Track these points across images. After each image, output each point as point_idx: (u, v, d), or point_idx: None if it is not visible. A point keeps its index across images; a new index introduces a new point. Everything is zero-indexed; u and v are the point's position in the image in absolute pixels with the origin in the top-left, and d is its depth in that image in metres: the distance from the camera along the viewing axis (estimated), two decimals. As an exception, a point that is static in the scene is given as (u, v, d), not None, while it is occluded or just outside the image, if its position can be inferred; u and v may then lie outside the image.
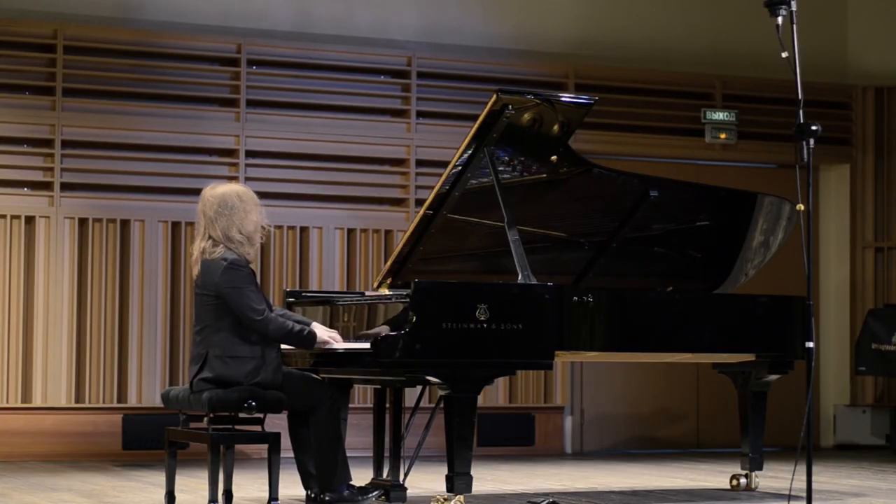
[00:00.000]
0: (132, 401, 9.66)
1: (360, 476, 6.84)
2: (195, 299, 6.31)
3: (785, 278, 9.32)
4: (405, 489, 6.72)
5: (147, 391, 9.67)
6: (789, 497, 6.88)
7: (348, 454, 6.44)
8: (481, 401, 6.45)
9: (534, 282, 6.46)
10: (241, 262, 6.15)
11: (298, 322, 6.34)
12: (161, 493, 6.65)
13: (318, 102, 10.25)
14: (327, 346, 6.29)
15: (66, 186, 9.64)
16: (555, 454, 10.55)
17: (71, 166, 9.67)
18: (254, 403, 6.08)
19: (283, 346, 6.36)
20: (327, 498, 6.28)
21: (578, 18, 11.02)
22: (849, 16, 11.77)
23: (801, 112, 5.60)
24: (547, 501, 6.68)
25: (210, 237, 6.21)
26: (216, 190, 6.27)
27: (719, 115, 11.19)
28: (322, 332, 6.31)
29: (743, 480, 7.60)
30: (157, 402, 9.35)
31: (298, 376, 6.31)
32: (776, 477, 8.17)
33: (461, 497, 6.24)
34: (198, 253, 6.23)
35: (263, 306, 6.13)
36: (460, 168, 6.67)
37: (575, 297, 6.53)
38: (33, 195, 9.62)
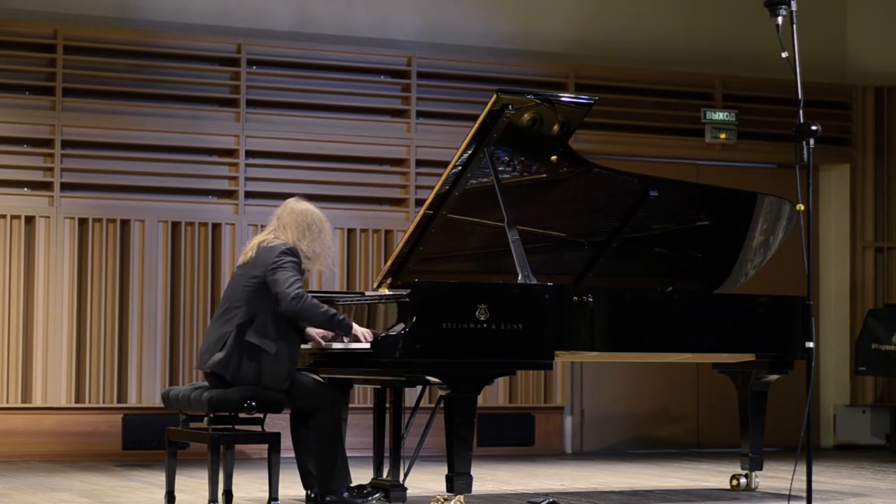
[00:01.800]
0: (132, 401, 9.66)
1: (360, 476, 6.84)
2: (233, 280, 6.35)
3: (785, 278, 9.32)
4: (405, 489, 6.72)
5: (147, 391, 9.67)
6: (789, 497, 6.89)
7: (348, 454, 6.44)
8: (481, 401, 6.46)
9: (534, 282, 6.46)
10: (297, 253, 6.22)
11: None
12: (161, 493, 6.65)
13: (318, 102, 10.25)
14: (355, 345, 6.28)
15: (66, 186, 9.64)
16: (555, 454, 10.55)
17: (71, 166, 9.67)
18: (254, 403, 6.08)
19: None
20: (327, 500, 6.28)
21: (578, 18, 11.01)
22: (849, 16, 11.76)
23: (801, 112, 5.60)
24: (547, 501, 6.67)
25: (276, 237, 6.28)
26: (302, 203, 6.40)
27: (719, 115, 11.18)
28: (357, 326, 6.34)
29: (743, 480, 7.60)
30: (157, 402, 9.36)
31: (301, 378, 6.31)
32: (776, 477, 8.17)
33: (461, 497, 6.24)
34: (255, 242, 6.31)
35: (302, 291, 6.14)
36: (460, 168, 6.67)
37: (575, 297, 6.53)
38: (33, 195, 9.62)
